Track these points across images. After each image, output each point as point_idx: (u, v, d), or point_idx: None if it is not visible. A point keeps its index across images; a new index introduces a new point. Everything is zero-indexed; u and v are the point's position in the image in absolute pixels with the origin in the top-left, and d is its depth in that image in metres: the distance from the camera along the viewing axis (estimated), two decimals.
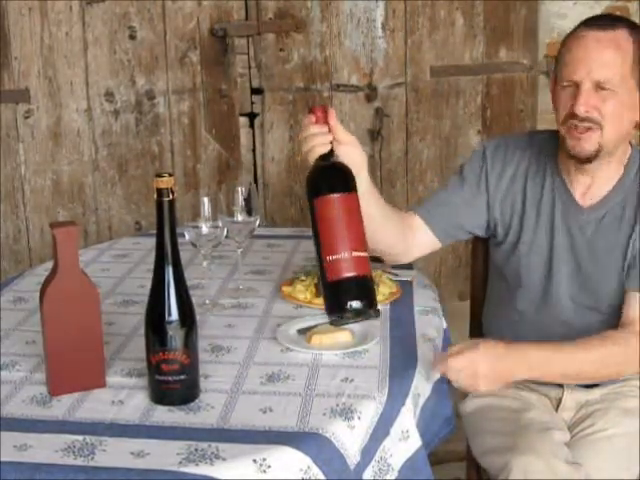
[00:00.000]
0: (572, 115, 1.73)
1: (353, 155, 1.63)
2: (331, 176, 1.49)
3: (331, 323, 1.52)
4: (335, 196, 1.45)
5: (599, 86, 1.71)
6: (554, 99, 1.81)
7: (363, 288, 1.42)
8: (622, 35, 1.73)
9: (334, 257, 1.40)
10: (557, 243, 1.86)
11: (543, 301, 1.88)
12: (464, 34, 3.25)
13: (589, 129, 1.72)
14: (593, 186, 1.84)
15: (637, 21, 3.25)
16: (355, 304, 1.42)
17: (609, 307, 1.84)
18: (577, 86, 1.72)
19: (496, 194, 1.92)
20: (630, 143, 1.88)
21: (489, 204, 1.92)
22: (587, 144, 1.74)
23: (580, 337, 1.78)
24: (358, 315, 1.44)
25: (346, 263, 1.40)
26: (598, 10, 3.26)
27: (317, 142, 1.57)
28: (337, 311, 1.43)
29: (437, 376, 1.64)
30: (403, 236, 1.89)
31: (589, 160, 1.77)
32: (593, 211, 1.84)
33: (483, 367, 1.62)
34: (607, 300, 1.84)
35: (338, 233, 1.42)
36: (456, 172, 1.99)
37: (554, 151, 1.88)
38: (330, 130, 1.60)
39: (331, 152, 1.57)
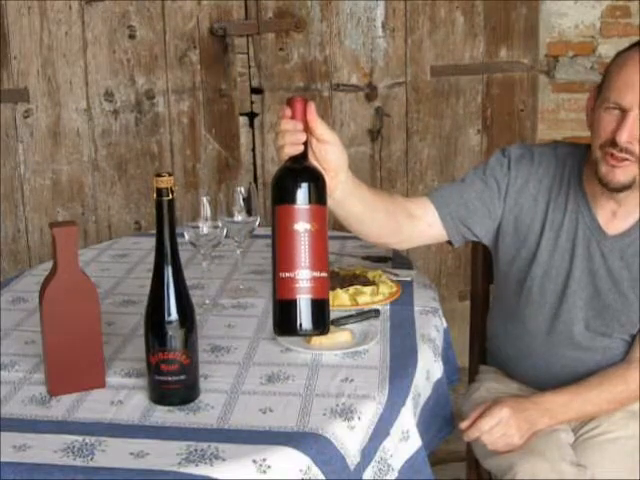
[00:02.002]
0: (612, 142, 1.63)
1: (332, 155, 1.48)
2: (299, 183, 1.29)
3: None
4: (299, 207, 1.27)
5: None
6: (593, 120, 1.70)
7: (316, 312, 1.28)
8: None
9: (287, 275, 1.26)
10: (576, 268, 1.80)
11: (554, 322, 1.84)
12: (464, 33, 3.25)
13: (626, 159, 1.64)
14: (619, 213, 1.76)
15: (637, 21, 3.30)
16: (306, 327, 1.28)
17: (622, 334, 1.81)
18: (624, 112, 1.62)
19: (513, 207, 1.83)
20: None
21: (503, 214, 1.84)
22: (622, 175, 1.66)
23: (587, 359, 1.80)
24: (308, 335, 1.39)
25: (300, 284, 1.26)
26: (599, 10, 3.26)
27: (288, 141, 1.37)
28: (285, 332, 1.33)
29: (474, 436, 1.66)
30: (398, 227, 1.77)
31: (619, 191, 1.69)
32: (618, 240, 1.77)
33: (513, 422, 1.64)
34: (622, 329, 1.80)
35: (296, 249, 1.26)
36: (476, 171, 1.86)
37: (579, 170, 1.79)
38: (308, 127, 1.41)
39: (304, 154, 1.37)
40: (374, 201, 1.68)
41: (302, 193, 1.28)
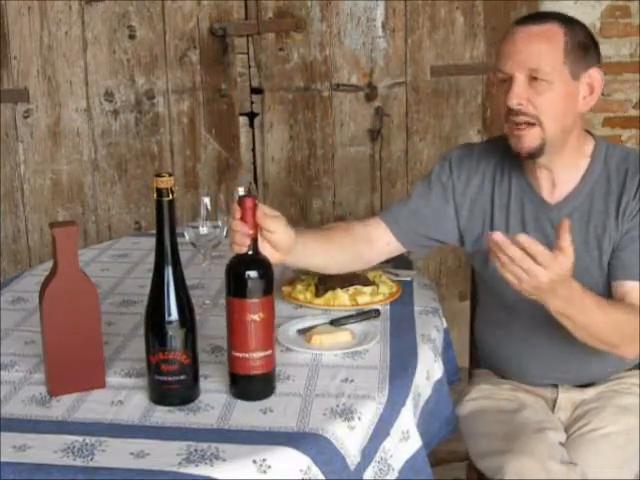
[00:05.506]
0: (509, 110, 1.72)
1: (281, 241, 1.67)
2: (246, 279, 1.45)
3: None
4: (249, 301, 1.45)
5: (532, 76, 1.69)
6: (495, 98, 1.80)
7: (264, 383, 1.50)
8: (552, 27, 1.71)
9: (239, 355, 1.47)
10: None
11: (527, 304, 1.75)
12: (464, 33, 3.25)
13: (528, 124, 1.71)
14: (557, 181, 1.81)
15: (637, 21, 3.30)
16: (258, 395, 1.49)
17: None
18: (511, 79, 1.71)
19: (463, 203, 1.90)
20: (592, 134, 1.85)
21: (457, 212, 1.91)
22: (528, 140, 1.73)
23: (569, 334, 1.77)
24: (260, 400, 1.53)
25: (250, 362, 1.47)
26: (599, 10, 3.26)
27: (236, 240, 1.53)
28: (241, 397, 1.49)
29: None
30: (357, 256, 1.89)
31: (533, 156, 1.75)
32: (562, 207, 1.81)
33: (548, 281, 1.51)
34: None
35: (245, 335, 1.46)
36: (422, 181, 1.97)
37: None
38: (255, 225, 1.52)
39: (254, 248, 1.51)
40: (328, 245, 1.86)
41: (251, 289, 1.45)
